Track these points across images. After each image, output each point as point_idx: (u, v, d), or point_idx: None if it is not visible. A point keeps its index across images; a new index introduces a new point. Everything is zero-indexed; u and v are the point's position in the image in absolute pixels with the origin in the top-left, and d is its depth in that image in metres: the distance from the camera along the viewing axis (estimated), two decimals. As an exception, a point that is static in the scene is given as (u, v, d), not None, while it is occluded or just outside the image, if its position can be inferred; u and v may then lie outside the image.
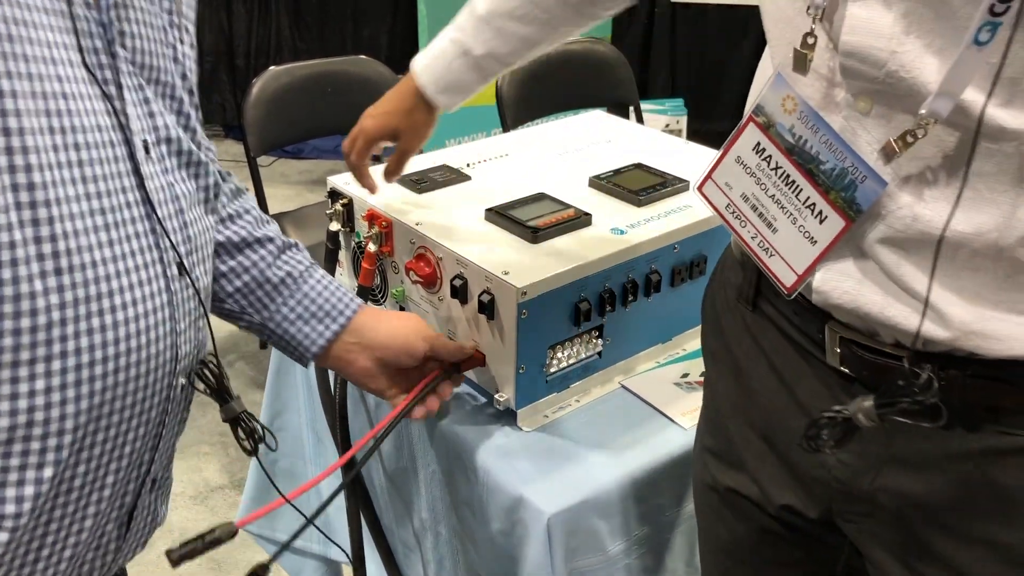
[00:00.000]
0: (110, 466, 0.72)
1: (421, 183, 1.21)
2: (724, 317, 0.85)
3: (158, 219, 0.70)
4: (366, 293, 1.18)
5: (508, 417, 1.06)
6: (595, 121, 1.48)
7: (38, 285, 0.61)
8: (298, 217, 2.40)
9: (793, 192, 0.70)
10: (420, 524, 1.18)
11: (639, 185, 1.20)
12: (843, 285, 0.68)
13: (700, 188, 0.78)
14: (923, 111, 0.59)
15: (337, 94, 2.35)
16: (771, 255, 0.73)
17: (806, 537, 0.82)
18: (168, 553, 0.93)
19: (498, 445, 1.03)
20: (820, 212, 0.68)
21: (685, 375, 1.14)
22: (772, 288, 0.74)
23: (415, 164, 1.28)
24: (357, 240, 1.21)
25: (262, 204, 2.34)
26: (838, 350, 0.71)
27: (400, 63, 2.47)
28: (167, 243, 0.71)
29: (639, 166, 1.26)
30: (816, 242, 0.69)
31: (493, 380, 1.06)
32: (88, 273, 0.64)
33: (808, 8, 0.64)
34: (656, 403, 1.09)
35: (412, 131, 1.08)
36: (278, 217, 2.37)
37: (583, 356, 1.09)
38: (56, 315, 0.62)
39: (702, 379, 1.12)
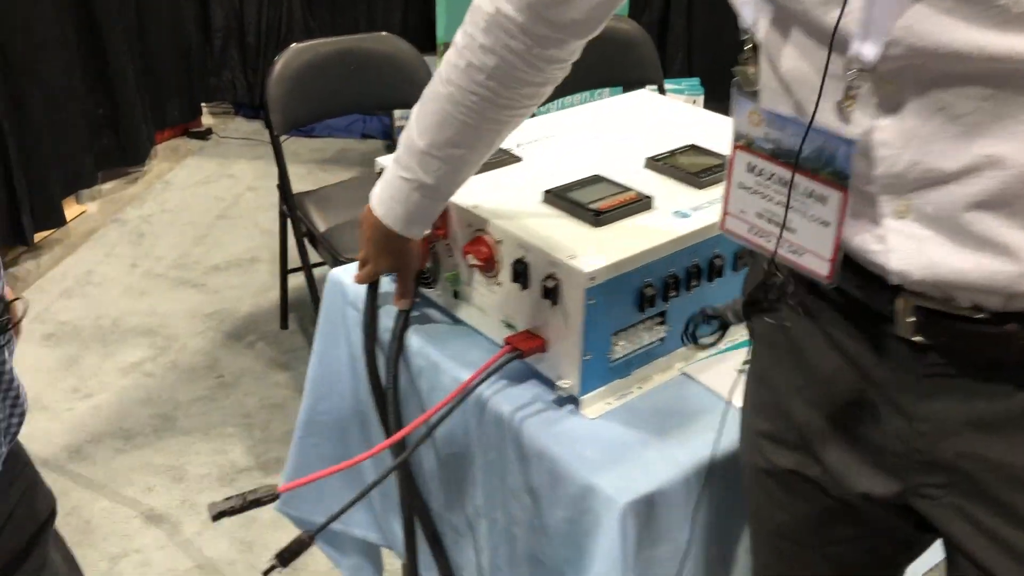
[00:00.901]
0: None
1: (474, 165, 1.18)
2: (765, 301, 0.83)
3: None
4: (417, 277, 1.16)
5: (570, 403, 1.04)
6: (642, 100, 1.46)
7: None
8: (320, 197, 2.37)
9: (793, 190, 0.73)
10: (474, 510, 1.16)
11: (697, 167, 1.17)
12: (919, 259, 0.68)
13: (723, 227, 0.81)
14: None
15: (361, 71, 2.31)
16: (801, 254, 0.74)
17: (868, 516, 0.81)
18: (209, 507, 0.93)
19: (562, 432, 1.01)
20: (820, 195, 0.71)
21: (747, 362, 1.12)
22: None
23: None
24: (409, 223, 1.18)
25: (287, 185, 2.31)
26: (911, 320, 0.70)
27: (416, 41, 2.46)
28: None
29: (694, 147, 1.24)
30: (828, 223, 0.71)
31: (555, 366, 1.04)
32: None
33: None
34: (719, 390, 1.07)
35: (405, 262, 1.13)
36: (300, 197, 2.34)
37: (646, 342, 1.07)
38: None
39: (763, 365, 1.10)
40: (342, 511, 1.01)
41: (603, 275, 0.97)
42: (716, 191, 1.14)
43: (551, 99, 2.48)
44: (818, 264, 0.72)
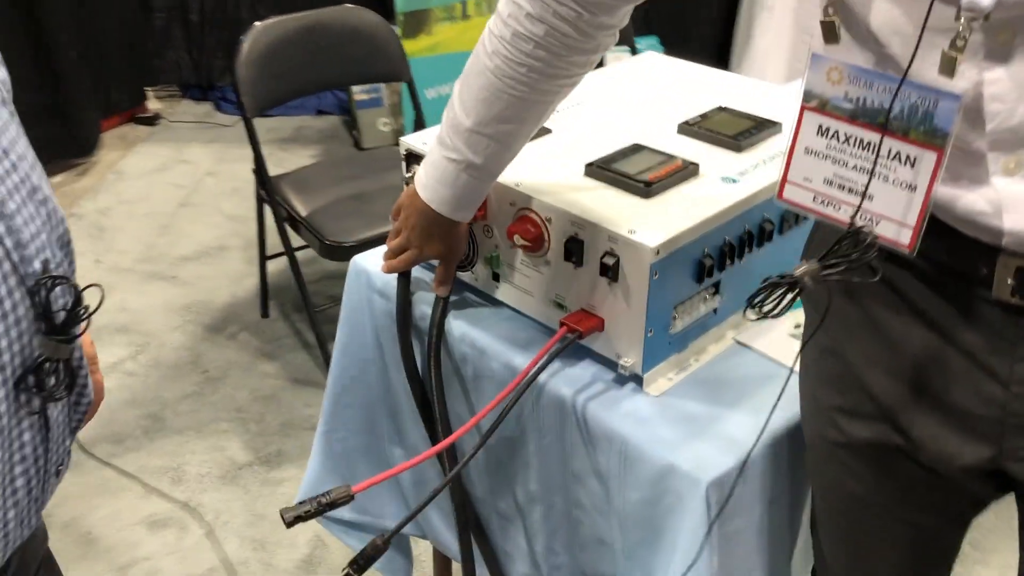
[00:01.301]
0: None
1: (504, 139, 1.14)
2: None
3: None
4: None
5: (632, 382, 1.02)
6: (652, 63, 1.42)
7: None
8: (297, 180, 2.29)
9: (873, 152, 0.69)
10: (526, 495, 1.13)
11: (733, 130, 1.14)
12: None
13: (780, 196, 0.76)
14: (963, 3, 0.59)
15: (331, 46, 2.23)
16: (877, 223, 0.71)
17: (951, 481, 0.80)
18: (282, 513, 0.89)
19: (630, 412, 0.98)
20: (908, 157, 0.67)
21: (797, 325, 1.11)
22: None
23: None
24: (440, 204, 1.14)
25: (264, 170, 2.22)
26: (1011, 281, 0.68)
27: (375, 8, 2.37)
28: None
29: (723, 109, 1.21)
30: (916, 188, 0.68)
31: (614, 344, 1.01)
32: None
33: None
34: (777, 357, 1.05)
35: (452, 247, 1.08)
36: (277, 180, 2.26)
37: (702, 313, 1.04)
38: None
39: (816, 328, 1.09)
40: (416, 512, 0.97)
41: (666, 248, 0.94)
42: (757, 153, 1.11)
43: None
44: (897, 232, 0.69)
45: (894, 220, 0.69)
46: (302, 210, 2.17)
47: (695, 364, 1.05)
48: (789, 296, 0.72)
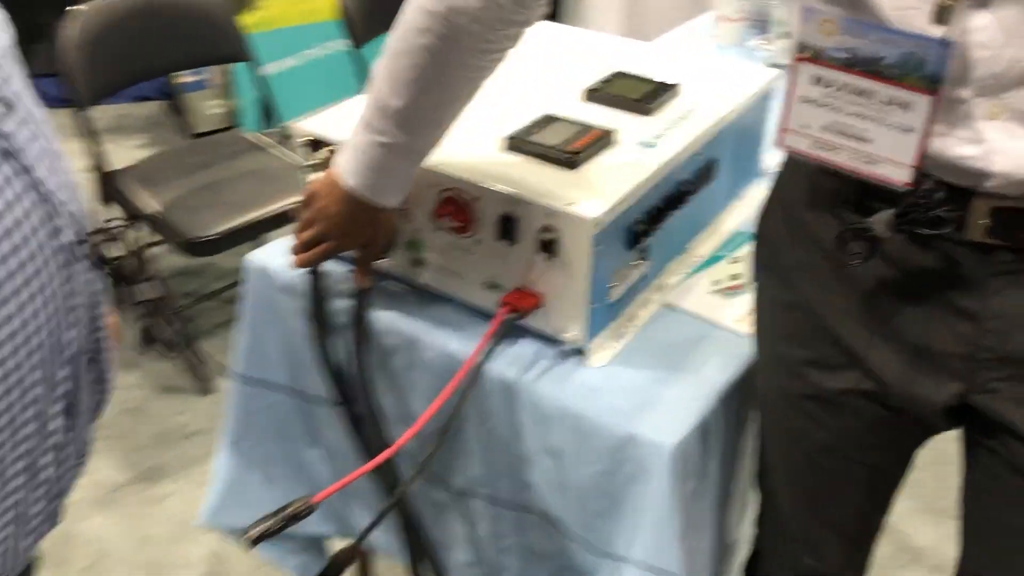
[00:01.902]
0: None
1: (411, 118, 1.09)
2: (812, 226, 0.83)
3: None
4: (374, 248, 1.06)
5: (573, 356, 1.01)
6: (543, 31, 1.39)
7: None
8: (141, 175, 2.13)
9: (869, 99, 0.72)
10: (466, 481, 1.11)
11: (637, 93, 1.14)
12: (1020, 160, 0.68)
13: (780, 143, 0.78)
14: None
15: (165, 27, 2.07)
16: (875, 164, 0.74)
17: (910, 421, 0.84)
18: (246, 533, 0.85)
19: (579, 386, 0.97)
20: (903, 101, 0.71)
21: (716, 282, 1.13)
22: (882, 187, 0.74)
23: (384, 97, 1.15)
24: (349, 191, 1.08)
25: (105, 165, 2.05)
26: (984, 222, 0.71)
27: None
28: None
29: (622, 74, 1.20)
30: (912, 129, 0.71)
31: (554, 320, 0.99)
32: None
33: None
34: (708, 316, 1.07)
35: (376, 235, 1.03)
36: (119, 175, 2.09)
37: (635, 279, 1.04)
38: None
39: (736, 283, 1.12)
40: (379, 518, 0.92)
41: (606, 219, 0.93)
42: (665, 116, 1.12)
43: (375, 34, 2.37)
44: (895, 171, 0.72)
45: (893, 160, 0.72)
46: (155, 206, 2.01)
47: (631, 331, 1.05)
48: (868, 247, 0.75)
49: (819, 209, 0.82)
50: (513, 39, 0.89)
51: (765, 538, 1.07)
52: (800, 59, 0.73)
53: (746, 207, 1.29)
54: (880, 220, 0.73)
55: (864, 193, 0.78)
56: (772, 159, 1.36)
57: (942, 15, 0.65)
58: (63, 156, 0.70)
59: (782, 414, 0.93)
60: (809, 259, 0.84)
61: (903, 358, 0.80)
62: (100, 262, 0.72)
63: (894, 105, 0.70)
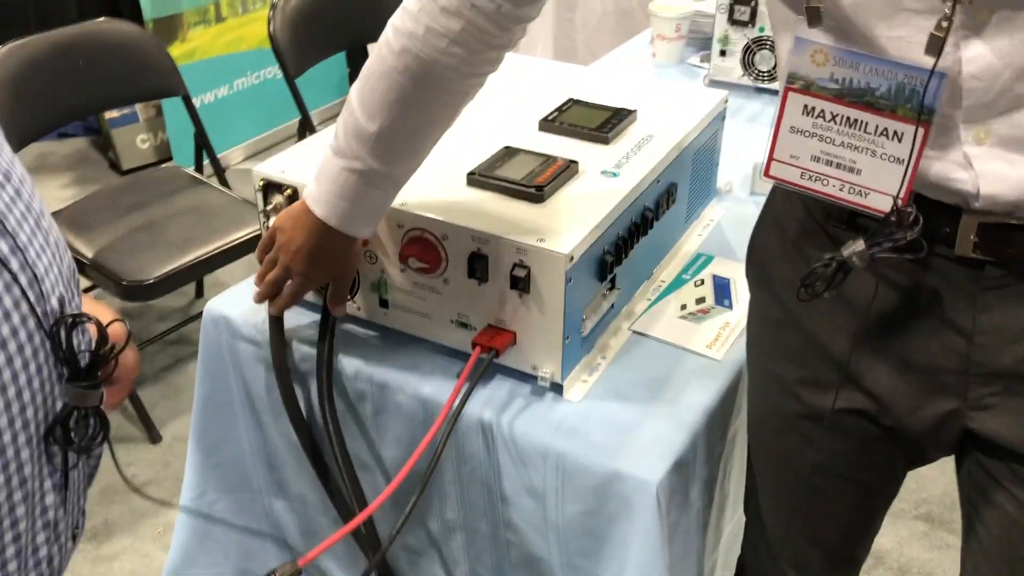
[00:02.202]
0: None
1: (368, 157, 1.06)
2: (804, 246, 0.83)
3: None
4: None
5: (549, 392, 0.99)
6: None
7: None
8: (71, 218, 2.05)
9: (860, 129, 0.72)
10: (443, 525, 1.08)
11: (594, 121, 1.14)
12: (1010, 181, 0.69)
13: (767, 174, 0.78)
14: None
15: (95, 65, 2.00)
16: (865, 195, 0.74)
17: (901, 440, 0.84)
18: None
19: (558, 424, 0.95)
20: (894, 132, 0.71)
21: (683, 306, 1.13)
22: None
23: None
24: (307, 234, 1.04)
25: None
26: (972, 238, 0.72)
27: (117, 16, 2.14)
28: None
29: (575, 101, 1.20)
30: (902, 160, 0.71)
31: (528, 356, 0.98)
32: None
33: None
34: (678, 342, 1.07)
35: (347, 268, 1.01)
36: (55, 215, 2.00)
37: (604, 310, 1.03)
38: None
39: (703, 307, 1.12)
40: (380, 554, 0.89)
41: (578, 253, 0.92)
42: (624, 143, 1.11)
43: (306, 66, 2.32)
44: (884, 203, 0.72)
45: (881, 191, 0.72)
46: (87, 251, 1.94)
47: (604, 362, 1.04)
48: (839, 276, 0.75)
49: (810, 227, 0.82)
50: (493, 63, 0.87)
51: (751, 555, 1.07)
52: (790, 89, 0.73)
53: (704, 228, 1.29)
54: (853, 251, 0.72)
55: (854, 211, 0.78)
56: (724, 179, 1.37)
57: (935, 46, 0.65)
58: (44, 216, 0.66)
59: (774, 434, 0.92)
60: (800, 276, 0.83)
61: (896, 374, 0.80)
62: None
63: (884, 136, 0.70)
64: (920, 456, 0.87)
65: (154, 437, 2.07)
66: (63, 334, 0.63)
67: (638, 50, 1.97)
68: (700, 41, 1.94)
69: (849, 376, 0.83)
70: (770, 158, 0.77)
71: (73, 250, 1.94)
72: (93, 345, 0.66)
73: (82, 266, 1.95)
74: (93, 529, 1.84)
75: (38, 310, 0.61)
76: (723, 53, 1.72)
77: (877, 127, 0.71)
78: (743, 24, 1.67)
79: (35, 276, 0.61)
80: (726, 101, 1.25)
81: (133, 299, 1.94)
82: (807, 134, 0.74)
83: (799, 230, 0.84)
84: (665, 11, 1.84)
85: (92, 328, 0.66)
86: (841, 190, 0.74)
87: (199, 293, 2.53)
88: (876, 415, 0.83)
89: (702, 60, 1.89)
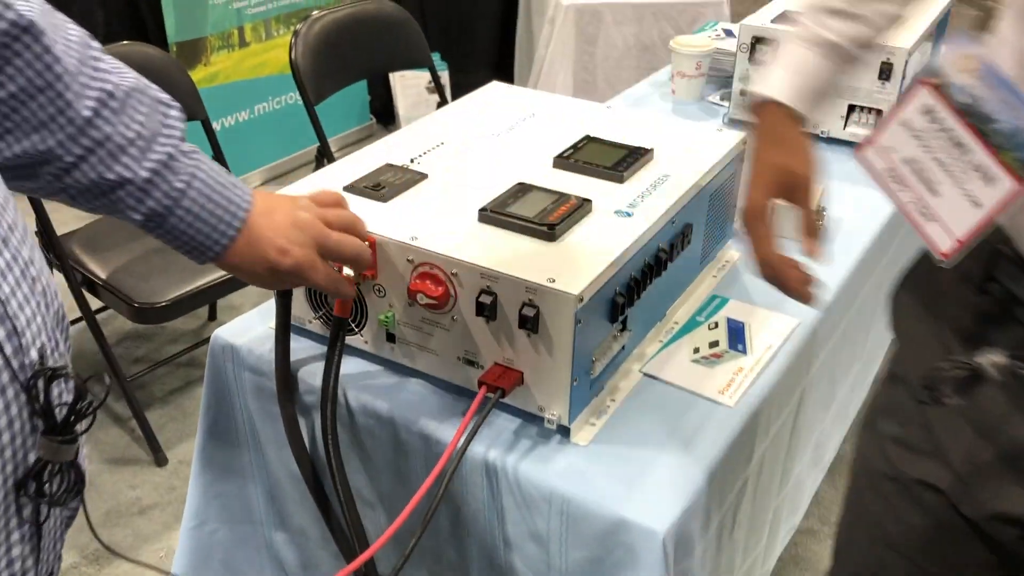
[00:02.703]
0: None
1: (381, 189, 1.06)
2: (941, 300, 0.79)
3: None
4: (343, 325, 1.02)
5: (556, 434, 0.97)
6: (499, 94, 1.38)
7: None
8: (89, 238, 2.05)
9: (961, 154, 0.68)
10: (443, 567, 1.06)
11: (609, 160, 1.13)
12: None
13: (860, 152, 0.74)
14: None
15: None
16: (929, 219, 0.71)
17: (994, 538, 0.77)
18: None
19: (565, 468, 0.93)
20: (988, 174, 0.67)
21: (696, 350, 1.11)
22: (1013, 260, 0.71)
23: (350, 167, 1.12)
24: (317, 266, 1.03)
25: (52, 230, 1.97)
26: None
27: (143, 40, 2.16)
28: None
29: (591, 139, 1.19)
30: (980, 206, 0.68)
31: (535, 397, 0.96)
32: None
33: None
34: (690, 387, 1.05)
35: (813, 171, 0.87)
36: (66, 239, 2.01)
37: (615, 353, 1.01)
38: None
39: (716, 351, 1.10)
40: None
41: (588, 294, 0.90)
42: (639, 183, 1.10)
43: (327, 92, 2.32)
44: (941, 238, 0.68)
45: (946, 225, 0.68)
46: (101, 272, 1.94)
47: (613, 405, 1.02)
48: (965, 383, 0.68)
49: (942, 287, 0.78)
50: None
51: None
52: (923, 82, 0.69)
53: (720, 270, 1.27)
54: (991, 361, 0.67)
55: (987, 275, 0.73)
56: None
57: None
58: (34, 263, 0.65)
59: (861, 493, 0.88)
60: (921, 334, 0.80)
61: (992, 459, 0.74)
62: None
63: (978, 173, 0.67)
64: (1003, 569, 0.78)
65: (160, 460, 2.06)
66: (41, 387, 0.61)
67: (658, 87, 1.97)
68: (720, 79, 1.93)
69: (939, 446, 0.77)
70: (871, 140, 0.72)
71: (86, 271, 1.95)
72: (71, 400, 0.64)
73: (95, 287, 1.95)
74: (95, 552, 1.82)
75: (14, 363, 0.60)
76: (743, 92, 1.71)
77: (975, 161, 0.67)
78: (764, 63, 1.66)
79: (15, 328, 0.60)
80: (744, 142, 1.23)
81: (145, 321, 1.94)
82: (913, 133, 0.70)
83: (930, 287, 0.79)
84: (686, 48, 1.83)
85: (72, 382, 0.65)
86: (910, 204, 0.70)
87: (212, 316, 2.53)
88: (957, 498, 0.76)
89: (722, 98, 1.88)
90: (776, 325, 1.16)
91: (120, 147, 0.78)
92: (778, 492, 1.28)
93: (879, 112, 1.61)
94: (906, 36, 1.59)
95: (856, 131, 1.64)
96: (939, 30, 1.82)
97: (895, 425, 0.84)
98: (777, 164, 0.84)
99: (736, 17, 2.57)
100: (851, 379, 1.53)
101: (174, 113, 0.84)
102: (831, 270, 1.29)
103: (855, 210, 1.45)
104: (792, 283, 0.86)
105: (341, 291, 0.94)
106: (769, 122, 0.85)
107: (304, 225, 0.87)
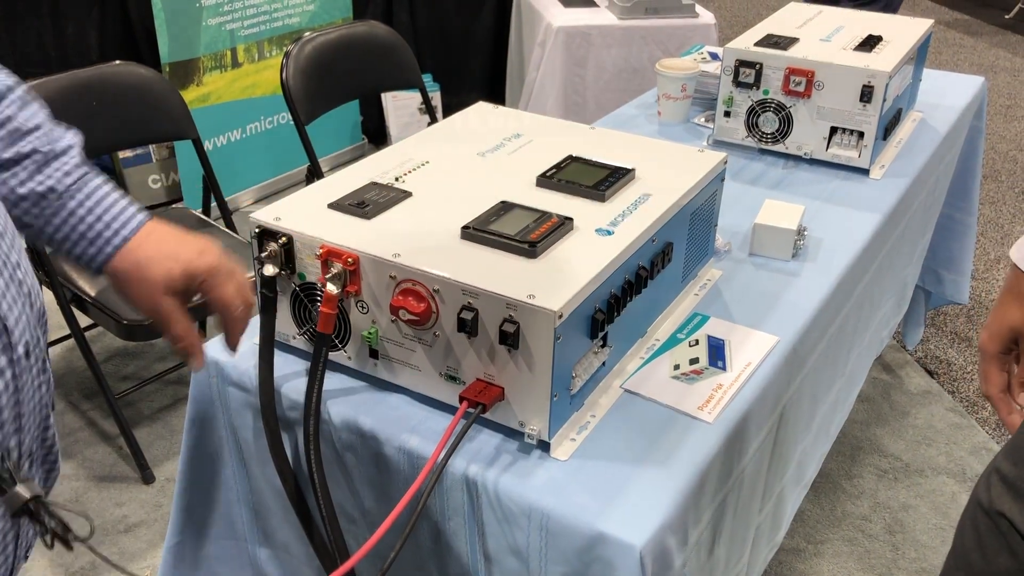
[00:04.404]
0: None
1: (365, 207, 1.07)
2: None
3: None
4: (326, 341, 1.03)
5: (536, 449, 0.98)
6: (486, 114, 1.40)
7: None
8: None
9: None
10: (425, 582, 1.07)
11: (591, 179, 1.14)
12: None
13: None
14: None
15: (107, 107, 2.03)
16: None
17: None
18: None
19: (544, 482, 0.94)
20: None
21: (676, 366, 1.12)
22: None
23: (336, 185, 1.13)
24: (301, 282, 1.05)
25: (43, 247, 1.98)
26: None
27: (135, 60, 2.18)
28: None
29: (574, 159, 1.21)
30: None
31: (516, 412, 0.97)
32: None
33: None
34: (670, 403, 1.06)
35: None
36: (55, 255, 2.02)
37: (596, 368, 1.03)
38: None
39: (696, 368, 1.11)
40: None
41: (567, 310, 0.91)
42: (620, 202, 1.12)
43: (318, 113, 2.33)
44: None
45: None
46: (90, 289, 1.95)
47: (593, 420, 1.03)
48: None
49: None
50: None
51: None
52: None
53: (701, 288, 1.29)
54: None
55: None
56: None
57: None
58: (20, 266, 0.67)
59: (964, 518, 0.88)
60: None
61: None
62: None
63: None
64: None
65: (147, 477, 2.06)
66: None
67: (644, 108, 1.99)
68: (705, 101, 1.96)
69: None
70: None
71: (76, 288, 1.96)
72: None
73: (84, 304, 1.96)
74: (81, 570, 1.82)
75: (2, 359, 0.62)
76: (727, 114, 1.73)
77: None
78: (748, 86, 1.69)
79: (4, 327, 0.62)
80: (725, 162, 1.25)
81: (133, 338, 1.94)
82: None
83: None
84: (671, 71, 1.86)
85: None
86: None
87: (201, 329, 2.54)
88: None
89: (706, 120, 1.90)
90: (756, 342, 1.17)
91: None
92: (760, 509, 1.28)
93: (861, 134, 1.63)
94: (887, 59, 1.62)
95: (838, 152, 1.66)
96: (920, 53, 1.85)
97: (1009, 463, 0.83)
98: (1012, 324, 0.96)
99: (724, 41, 2.61)
100: (833, 397, 1.55)
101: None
102: (812, 289, 1.31)
103: (837, 231, 1.47)
104: (1005, 419, 0.97)
105: (192, 351, 0.93)
106: (1015, 282, 0.96)
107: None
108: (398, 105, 3.69)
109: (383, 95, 3.66)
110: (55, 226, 0.85)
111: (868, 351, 1.78)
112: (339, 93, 2.42)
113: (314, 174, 2.33)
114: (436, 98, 3.80)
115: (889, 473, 2.14)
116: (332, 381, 1.07)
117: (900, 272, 1.88)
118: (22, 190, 0.83)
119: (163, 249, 0.88)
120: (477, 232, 1.01)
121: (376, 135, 3.83)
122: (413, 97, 3.66)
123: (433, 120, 2.81)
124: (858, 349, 1.64)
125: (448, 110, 3.75)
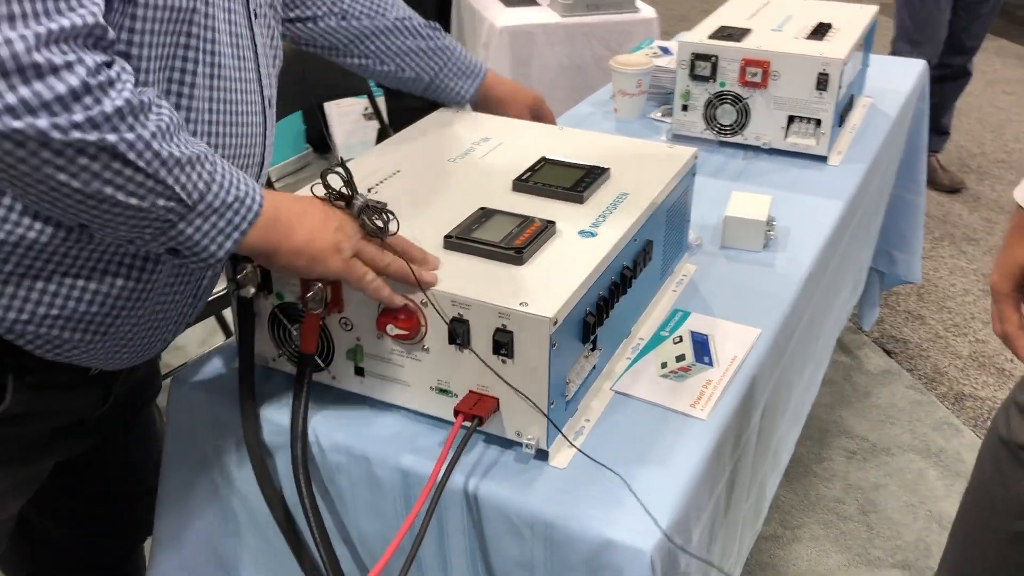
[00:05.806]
0: None
1: (341, 221, 1.04)
2: None
3: (259, 66, 1.02)
4: (310, 361, 1.00)
5: (533, 458, 0.96)
6: (445, 119, 1.37)
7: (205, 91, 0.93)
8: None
9: None
10: (424, 601, 1.04)
11: (567, 180, 1.13)
12: None
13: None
14: None
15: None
16: None
17: None
18: None
19: (546, 492, 0.92)
20: None
21: (664, 364, 1.11)
22: None
23: (307, 200, 1.10)
24: (279, 303, 1.01)
25: None
26: None
27: None
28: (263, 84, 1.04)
29: (547, 160, 1.19)
30: None
31: (511, 422, 0.95)
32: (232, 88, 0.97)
33: None
34: (662, 402, 1.05)
35: None
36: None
37: (588, 372, 1.01)
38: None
39: (683, 365, 1.11)
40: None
41: (561, 316, 0.90)
42: (598, 202, 1.11)
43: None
44: None
45: None
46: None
47: (588, 425, 1.02)
48: None
49: None
50: None
51: None
52: None
53: (678, 284, 1.28)
54: None
55: None
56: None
57: None
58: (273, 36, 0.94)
59: (982, 453, 0.89)
60: None
61: None
62: None
63: None
64: None
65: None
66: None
67: (599, 106, 1.99)
68: (661, 96, 1.96)
69: None
70: None
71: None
72: None
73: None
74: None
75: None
76: (685, 108, 1.74)
77: None
78: (704, 79, 1.69)
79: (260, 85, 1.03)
80: (696, 157, 1.25)
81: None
82: None
83: None
84: (626, 67, 1.86)
85: None
86: None
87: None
88: None
89: (663, 115, 1.91)
90: (739, 335, 1.17)
91: None
92: (746, 500, 1.29)
93: (818, 122, 1.65)
94: (839, 47, 1.64)
95: (796, 141, 1.68)
96: (867, 40, 1.88)
97: (1022, 391, 0.85)
98: (1022, 262, 0.97)
99: (665, 35, 2.62)
100: (804, 382, 1.56)
101: None
102: (786, 279, 1.32)
103: (802, 219, 1.48)
104: (1022, 354, 0.96)
105: (379, 295, 0.93)
106: (1022, 222, 0.96)
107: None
108: (342, 112, 3.64)
109: (326, 104, 3.61)
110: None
111: (831, 334, 1.81)
112: (284, 103, 2.37)
113: (270, 185, 2.28)
114: (380, 103, 3.75)
115: (858, 454, 2.18)
116: (316, 402, 1.04)
117: (858, 255, 1.91)
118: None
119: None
120: (460, 241, 0.99)
121: (319, 144, 3.78)
122: (358, 103, 3.61)
123: (383, 125, 2.77)
124: (825, 333, 1.66)
125: (392, 114, 3.70)
